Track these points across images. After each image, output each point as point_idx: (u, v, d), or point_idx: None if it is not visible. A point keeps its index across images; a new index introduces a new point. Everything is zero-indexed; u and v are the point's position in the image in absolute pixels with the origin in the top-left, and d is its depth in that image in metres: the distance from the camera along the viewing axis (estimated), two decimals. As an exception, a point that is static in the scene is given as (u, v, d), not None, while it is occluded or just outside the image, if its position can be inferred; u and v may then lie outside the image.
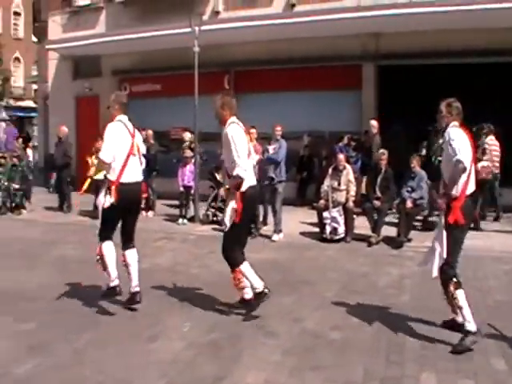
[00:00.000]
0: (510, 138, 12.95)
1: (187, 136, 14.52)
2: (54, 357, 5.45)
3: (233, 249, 6.51)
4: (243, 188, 6.33)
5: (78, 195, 13.63)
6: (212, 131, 12.48)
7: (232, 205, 6.40)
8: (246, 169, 6.32)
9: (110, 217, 6.67)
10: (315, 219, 11.90)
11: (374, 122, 14.17)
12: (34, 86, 35.86)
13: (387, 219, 11.57)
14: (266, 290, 6.48)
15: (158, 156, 14.99)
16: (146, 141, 14.52)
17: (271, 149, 11.88)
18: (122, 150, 6.58)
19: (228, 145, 6.36)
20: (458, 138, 5.53)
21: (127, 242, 6.83)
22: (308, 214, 13.76)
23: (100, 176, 13.69)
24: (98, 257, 6.72)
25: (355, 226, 11.43)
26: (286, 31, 15.93)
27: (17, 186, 15.15)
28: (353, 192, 11.42)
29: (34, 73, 41.41)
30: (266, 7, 17.07)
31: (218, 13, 17.96)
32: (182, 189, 13.62)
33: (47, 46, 21.09)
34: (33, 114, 41.43)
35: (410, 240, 10.92)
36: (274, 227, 11.68)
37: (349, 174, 11.49)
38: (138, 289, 6.79)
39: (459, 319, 5.69)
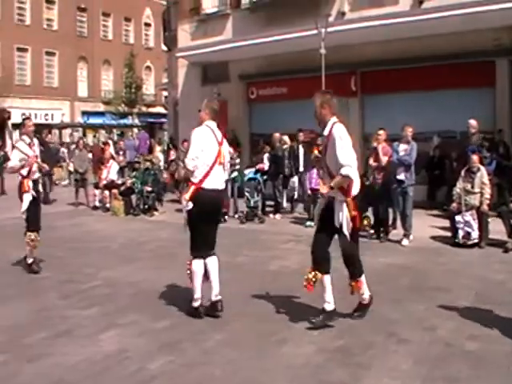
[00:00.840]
0: None
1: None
2: (184, 355, 5.61)
3: (358, 256, 6.40)
4: (354, 191, 6.15)
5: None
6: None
7: (343, 211, 6.11)
8: (354, 169, 6.05)
9: (196, 227, 6.55)
10: (446, 223, 11.50)
11: (472, 122, 13.43)
12: (164, 93, 37.12)
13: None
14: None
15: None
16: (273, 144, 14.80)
17: (401, 150, 11.44)
18: (207, 156, 6.46)
19: (333, 145, 6.07)
20: None
21: (208, 250, 6.70)
22: (438, 217, 13.34)
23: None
24: (189, 271, 6.66)
25: (490, 230, 10.90)
26: (413, 29, 15.45)
27: (149, 189, 15.75)
28: (487, 195, 10.88)
29: (164, 80, 42.95)
30: (392, 5, 16.65)
31: (343, 14, 17.79)
32: (309, 191, 13.61)
33: (177, 54, 21.77)
34: (163, 120, 43.01)
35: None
36: (403, 231, 11.36)
37: (483, 175, 10.98)
38: (219, 297, 6.70)
39: None
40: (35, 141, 9.51)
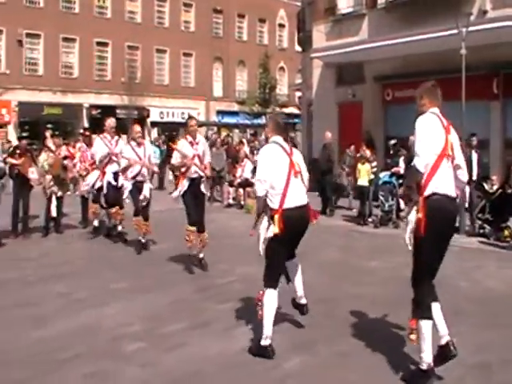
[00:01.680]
0: None
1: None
2: (319, 356, 5.64)
3: (421, 280, 5.30)
4: (427, 191, 4.99)
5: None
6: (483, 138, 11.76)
7: (412, 213, 5.20)
8: (424, 165, 4.93)
9: (275, 251, 5.76)
10: None
11: None
12: (298, 94, 37.30)
13: None
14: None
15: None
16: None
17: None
18: (280, 173, 5.77)
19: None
20: None
21: (290, 257, 6.20)
22: None
23: (364, 182, 13.97)
24: (259, 303, 5.79)
25: None
26: None
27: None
28: None
29: (297, 81, 43.19)
30: (540, 3, 15.87)
31: (485, 12, 17.11)
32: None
33: (312, 55, 21.84)
34: (295, 120, 43.24)
35: None
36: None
37: None
38: (304, 301, 6.37)
39: None
40: (200, 138, 9.62)
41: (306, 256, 8.31)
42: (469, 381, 5.10)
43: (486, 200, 12.36)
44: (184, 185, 9.18)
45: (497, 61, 16.56)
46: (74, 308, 7.18)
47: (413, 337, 5.07)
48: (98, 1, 42.80)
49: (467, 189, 12.95)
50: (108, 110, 39.50)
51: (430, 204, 4.95)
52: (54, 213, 12.24)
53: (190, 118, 9.81)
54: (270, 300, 5.69)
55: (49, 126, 30.79)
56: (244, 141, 21.45)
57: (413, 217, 5.11)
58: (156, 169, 12.02)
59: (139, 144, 10.84)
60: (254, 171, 17.23)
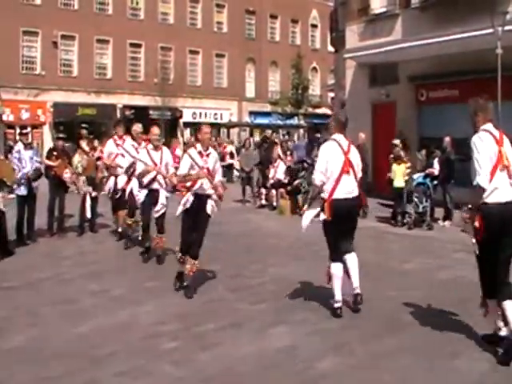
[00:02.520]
0: None
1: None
2: (353, 357, 5.64)
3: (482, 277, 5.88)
4: (487, 199, 5.51)
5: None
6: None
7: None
8: (486, 180, 5.45)
9: (328, 232, 6.99)
10: None
11: None
12: (331, 94, 37.24)
13: None
14: None
15: (455, 164, 14.48)
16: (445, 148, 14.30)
17: None
18: (334, 168, 6.83)
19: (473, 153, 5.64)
20: None
21: (348, 248, 7.10)
22: None
23: (400, 184, 13.86)
24: (328, 276, 7.03)
25: None
26: None
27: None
28: None
29: (330, 81, 43.11)
30: None
31: (522, 11, 16.87)
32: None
33: (345, 55, 21.75)
34: (328, 121, 43.10)
35: None
36: None
37: None
38: (358, 291, 7.03)
39: None
40: (212, 151, 8.23)
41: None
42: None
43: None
44: (189, 200, 7.83)
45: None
46: (110, 306, 7.27)
47: None
48: (132, 2, 43.22)
49: None
50: (141, 111, 39.96)
51: (486, 211, 5.55)
52: (88, 214, 12.35)
53: (204, 124, 8.47)
54: (336, 271, 6.91)
55: (84, 125, 31.09)
56: (277, 141, 21.45)
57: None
58: (175, 180, 9.33)
59: (156, 148, 9.73)
60: (286, 172, 17.27)
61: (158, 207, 9.61)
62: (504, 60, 13.06)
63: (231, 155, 26.93)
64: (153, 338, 6.12)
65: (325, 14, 42.64)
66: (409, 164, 13.93)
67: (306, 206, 7.53)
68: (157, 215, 9.69)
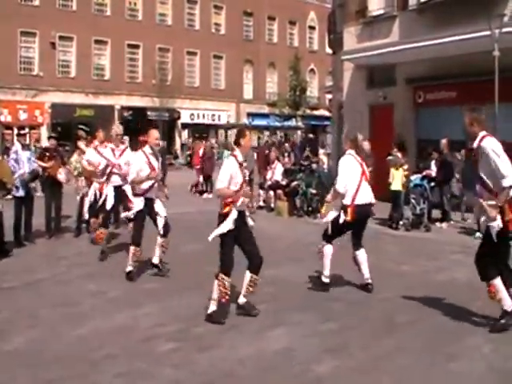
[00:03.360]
0: None
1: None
2: (352, 359, 5.65)
3: (486, 262, 6.45)
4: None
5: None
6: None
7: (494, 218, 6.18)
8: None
9: (340, 229, 8.07)
10: None
11: None
12: (328, 96, 37.25)
13: None
14: None
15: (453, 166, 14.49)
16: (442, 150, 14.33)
17: None
18: (354, 178, 7.95)
19: (486, 157, 6.26)
20: None
21: (357, 244, 8.24)
22: None
23: (397, 187, 13.85)
24: (320, 253, 8.16)
25: None
26: None
27: (314, 192, 15.87)
28: None
29: (328, 83, 43.08)
30: None
31: (519, 13, 16.89)
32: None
33: (343, 57, 21.71)
34: (326, 123, 43.21)
35: None
36: None
37: None
38: (369, 280, 8.10)
39: None
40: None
41: (338, 258, 8.39)
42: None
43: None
44: (234, 217, 6.87)
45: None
46: (109, 308, 7.29)
47: None
48: (130, 4, 43.22)
49: None
50: (139, 112, 39.97)
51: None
52: (86, 215, 12.23)
53: (246, 128, 7.91)
54: (328, 251, 8.06)
55: (81, 126, 31.03)
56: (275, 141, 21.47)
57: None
58: (166, 191, 9.40)
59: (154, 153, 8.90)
60: (283, 174, 17.28)
61: (160, 221, 8.82)
62: (501, 62, 13.08)
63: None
64: (152, 340, 6.14)
65: (323, 16, 42.69)
66: (406, 166, 13.93)
67: (324, 208, 9.09)
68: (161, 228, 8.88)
